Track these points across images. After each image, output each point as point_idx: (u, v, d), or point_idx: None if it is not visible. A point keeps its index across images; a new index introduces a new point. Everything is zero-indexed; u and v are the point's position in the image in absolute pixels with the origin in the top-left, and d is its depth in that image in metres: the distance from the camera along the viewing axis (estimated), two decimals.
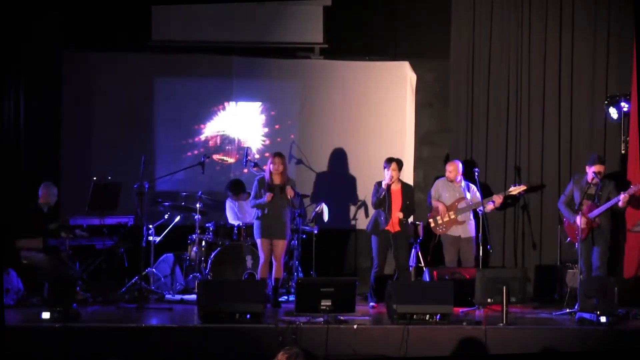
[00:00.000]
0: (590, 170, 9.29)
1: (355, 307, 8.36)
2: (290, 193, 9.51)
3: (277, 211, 9.53)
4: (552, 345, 8.00)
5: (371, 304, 9.54)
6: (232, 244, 10.26)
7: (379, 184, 9.64)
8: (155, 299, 9.78)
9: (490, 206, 9.93)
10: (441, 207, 9.96)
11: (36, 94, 11.01)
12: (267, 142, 11.60)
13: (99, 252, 9.85)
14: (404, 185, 9.75)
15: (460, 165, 10.12)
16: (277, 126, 11.66)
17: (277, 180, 9.60)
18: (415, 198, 10.01)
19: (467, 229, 9.96)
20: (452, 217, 9.92)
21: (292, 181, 9.72)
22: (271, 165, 9.60)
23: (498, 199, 9.88)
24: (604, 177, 9.43)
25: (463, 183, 10.08)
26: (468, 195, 10.01)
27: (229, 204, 10.84)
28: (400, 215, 9.56)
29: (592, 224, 9.24)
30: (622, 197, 9.10)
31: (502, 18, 10.84)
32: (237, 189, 10.76)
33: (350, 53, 11.70)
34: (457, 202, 9.97)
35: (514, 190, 10.01)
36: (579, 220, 9.14)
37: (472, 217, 10.02)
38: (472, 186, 10.06)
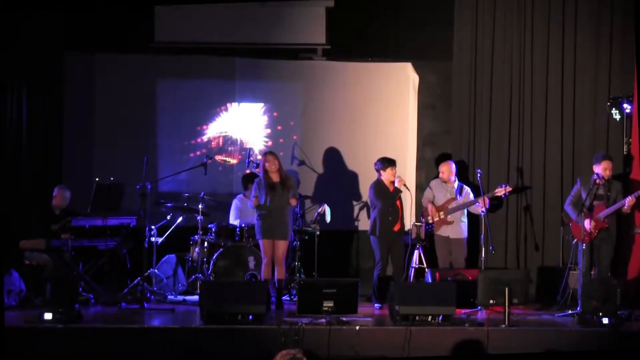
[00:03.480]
0: (599, 168, 9.24)
1: (357, 308, 8.37)
2: (293, 203, 9.58)
3: (278, 210, 9.48)
4: (554, 347, 7.99)
5: (376, 305, 9.54)
6: (234, 245, 10.26)
7: (376, 183, 9.68)
8: (157, 300, 9.79)
9: (478, 208, 9.91)
10: (430, 207, 10.02)
11: (38, 94, 11.01)
12: (270, 143, 11.60)
13: (102, 253, 9.85)
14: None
15: (453, 165, 10.16)
16: (279, 127, 11.66)
17: (275, 178, 9.57)
18: (418, 199, 10.05)
19: (457, 230, 10.00)
20: (442, 217, 9.97)
21: (291, 178, 9.70)
22: (266, 164, 9.56)
23: (484, 201, 9.87)
24: (612, 178, 9.39)
25: (456, 184, 10.13)
26: (459, 197, 10.06)
27: (235, 202, 10.81)
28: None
29: (601, 225, 9.21)
30: (628, 201, 9.07)
31: (505, 19, 10.84)
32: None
33: (353, 54, 11.69)
34: (448, 202, 10.01)
35: (499, 191, 10.01)
36: (588, 221, 9.11)
37: (463, 218, 10.05)
38: (466, 188, 10.11)
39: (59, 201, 10.01)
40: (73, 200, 10.19)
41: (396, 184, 9.68)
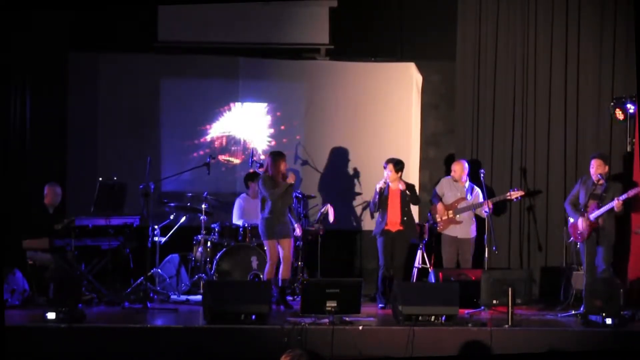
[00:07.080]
0: (590, 168, 9.26)
1: (360, 308, 8.37)
2: (292, 178, 9.49)
3: (280, 210, 9.48)
4: (558, 347, 7.99)
5: (380, 305, 9.54)
6: (237, 245, 10.26)
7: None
8: (160, 299, 9.80)
9: (484, 211, 9.88)
10: (439, 206, 10.02)
11: (42, 94, 11.01)
12: (273, 142, 11.60)
13: (105, 253, 9.85)
14: (405, 186, 9.73)
15: (466, 165, 10.14)
16: (282, 127, 11.66)
17: (283, 179, 9.58)
18: (420, 199, 10.01)
19: (466, 230, 9.99)
20: (450, 216, 9.96)
21: (292, 174, 9.67)
22: (282, 166, 9.50)
23: (488, 204, 9.83)
24: (611, 178, 9.39)
25: (467, 184, 10.11)
26: (469, 197, 10.04)
27: (238, 202, 10.80)
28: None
29: (593, 225, 9.19)
30: (616, 204, 9.03)
31: (508, 19, 10.84)
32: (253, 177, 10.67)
33: (356, 54, 11.69)
34: (457, 202, 10.00)
35: (511, 195, 10.00)
36: (580, 220, 9.13)
37: (473, 219, 10.03)
38: (477, 189, 10.08)
39: (51, 199, 9.97)
40: (78, 199, 10.19)
41: (379, 184, 9.62)
